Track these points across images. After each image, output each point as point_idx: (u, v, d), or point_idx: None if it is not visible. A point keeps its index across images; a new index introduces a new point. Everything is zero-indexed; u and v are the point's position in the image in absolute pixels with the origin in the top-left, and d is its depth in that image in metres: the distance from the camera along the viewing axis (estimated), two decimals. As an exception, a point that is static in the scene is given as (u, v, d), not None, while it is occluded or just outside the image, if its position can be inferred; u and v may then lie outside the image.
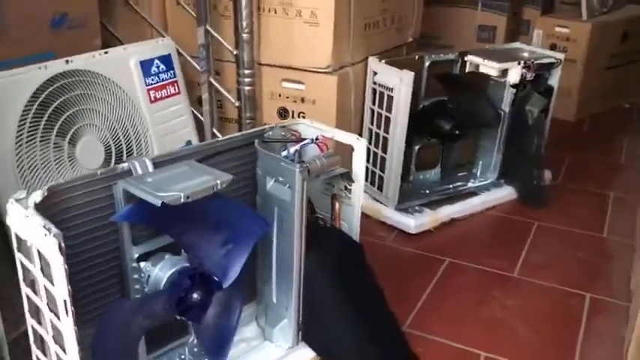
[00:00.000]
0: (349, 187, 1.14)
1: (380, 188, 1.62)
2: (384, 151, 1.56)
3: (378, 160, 1.59)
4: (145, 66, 1.37)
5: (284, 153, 1.04)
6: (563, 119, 2.42)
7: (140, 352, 1.00)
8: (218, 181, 0.88)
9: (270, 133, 1.09)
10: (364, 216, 1.61)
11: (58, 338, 0.82)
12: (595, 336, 1.22)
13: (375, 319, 1.13)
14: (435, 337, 1.20)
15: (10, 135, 1.17)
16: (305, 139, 1.07)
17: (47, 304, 0.81)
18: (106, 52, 1.30)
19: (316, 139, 1.07)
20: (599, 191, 1.85)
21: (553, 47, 2.39)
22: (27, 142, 1.19)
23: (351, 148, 1.12)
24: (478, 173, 1.81)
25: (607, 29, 2.47)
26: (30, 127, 1.19)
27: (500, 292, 1.35)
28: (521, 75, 1.64)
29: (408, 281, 1.38)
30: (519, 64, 1.63)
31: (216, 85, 1.55)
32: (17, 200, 0.80)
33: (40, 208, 0.79)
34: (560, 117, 2.39)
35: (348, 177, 1.12)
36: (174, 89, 1.44)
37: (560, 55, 1.73)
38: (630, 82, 2.64)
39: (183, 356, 1.07)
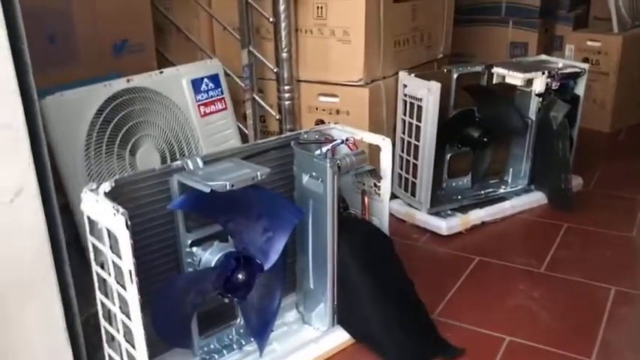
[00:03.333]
0: (378, 184, 1.25)
1: (413, 194, 1.72)
2: (416, 158, 1.67)
3: (411, 167, 1.70)
4: (196, 84, 1.53)
5: (317, 152, 1.17)
6: (598, 130, 2.47)
7: (193, 331, 1.13)
8: (258, 173, 1.01)
9: (305, 136, 1.22)
10: (399, 221, 1.73)
11: (124, 308, 0.95)
12: (618, 324, 1.27)
13: (405, 305, 1.22)
14: (462, 324, 1.28)
15: (80, 147, 1.33)
16: (336, 140, 1.19)
17: (115, 278, 0.95)
18: (161, 72, 1.46)
19: (346, 140, 1.20)
20: (630, 196, 1.89)
21: (585, 61, 2.45)
22: (94, 153, 1.36)
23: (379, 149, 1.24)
24: (509, 180, 1.89)
25: (639, 41, 2.52)
26: (96, 138, 1.35)
27: (527, 285, 1.42)
28: (547, 84, 1.73)
29: (439, 277, 1.46)
30: (544, 74, 1.72)
31: (259, 100, 1.70)
32: (90, 190, 0.95)
33: (108, 196, 0.94)
34: (594, 128, 2.45)
35: (376, 174, 1.23)
36: (222, 105, 1.59)
37: (585, 65, 1.81)
38: (667, 92, 2.66)
39: (230, 336, 1.19)
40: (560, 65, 1.81)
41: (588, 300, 1.36)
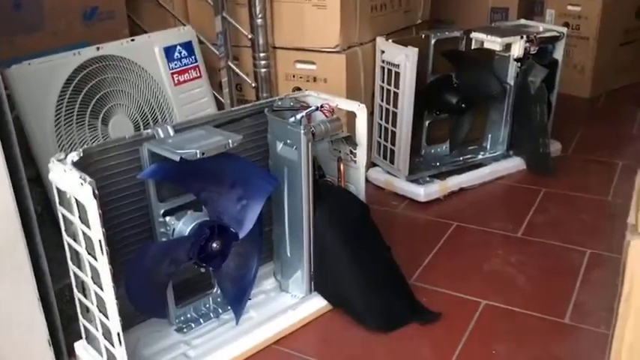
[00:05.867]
0: (354, 151, 1.24)
1: (392, 161, 1.71)
2: (394, 125, 1.65)
3: (389, 135, 1.69)
4: (169, 52, 1.50)
5: (291, 119, 1.16)
6: (578, 96, 2.47)
7: (169, 301, 1.12)
8: (230, 141, 1.00)
9: (280, 102, 1.21)
10: (378, 188, 1.73)
11: (95, 278, 0.94)
12: (591, 285, 1.29)
13: (382, 271, 1.23)
14: (439, 289, 1.29)
15: (50, 117, 1.30)
16: (310, 107, 1.18)
17: (85, 249, 0.94)
18: (132, 40, 1.43)
19: (321, 106, 1.18)
20: (608, 160, 1.90)
21: (566, 25, 2.43)
22: (65, 123, 1.33)
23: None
24: (488, 146, 1.89)
25: (620, 5, 2.50)
26: (67, 109, 1.32)
27: (504, 250, 1.43)
28: (525, 49, 1.72)
29: (417, 242, 1.47)
30: (522, 38, 1.70)
31: (235, 68, 1.67)
32: (58, 160, 0.93)
33: (77, 165, 0.92)
34: (574, 93, 2.45)
35: (351, 141, 1.22)
36: (196, 73, 1.56)
37: (563, 29, 1.80)
38: (646, 57, 2.66)
39: (207, 305, 1.19)
40: (539, 29, 1.80)
41: (563, 263, 1.38)
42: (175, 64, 1.51)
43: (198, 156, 0.95)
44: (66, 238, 0.99)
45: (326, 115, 1.18)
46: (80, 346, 1.08)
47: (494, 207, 1.66)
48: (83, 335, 1.07)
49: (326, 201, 1.18)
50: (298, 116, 1.15)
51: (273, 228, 1.23)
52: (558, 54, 1.82)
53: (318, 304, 1.21)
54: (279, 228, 1.21)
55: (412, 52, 1.56)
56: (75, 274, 1.01)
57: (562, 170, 1.81)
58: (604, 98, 2.51)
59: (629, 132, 2.15)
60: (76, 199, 0.90)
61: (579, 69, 2.49)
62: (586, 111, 2.38)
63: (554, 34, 1.79)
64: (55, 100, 1.29)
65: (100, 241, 0.88)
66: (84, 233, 0.92)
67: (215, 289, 1.19)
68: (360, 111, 1.21)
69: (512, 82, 1.76)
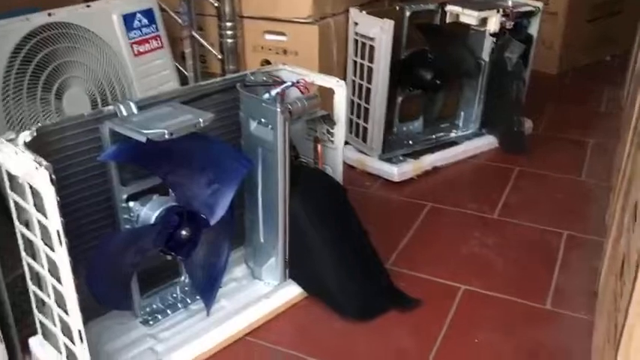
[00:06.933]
0: (331, 131, 1.17)
1: (364, 139, 1.65)
2: (367, 101, 1.59)
3: (362, 111, 1.62)
4: (128, 20, 1.39)
5: (265, 96, 1.08)
6: (545, 72, 2.45)
7: (133, 292, 1.04)
8: (200, 119, 0.91)
9: (252, 77, 1.12)
10: (350, 167, 1.67)
11: (53, 271, 0.85)
12: (570, 269, 1.27)
13: (359, 256, 1.17)
14: (417, 274, 1.25)
15: (-4, 90, 1.19)
16: (286, 82, 1.10)
17: (41, 239, 0.84)
18: (88, 6, 1.32)
19: (297, 82, 1.11)
20: (579, 138, 1.89)
21: None
22: (13, 96, 1.22)
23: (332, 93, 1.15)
24: (460, 124, 1.85)
25: (588, -19, 2.48)
26: (15, 81, 1.21)
27: (480, 232, 1.40)
28: (501, 23, 1.67)
29: (392, 224, 1.42)
30: (498, 12, 1.65)
31: (199, 39, 1.57)
32: (8, 140, 0.83)
33: (30, 146, 0.82)
34: (542, 70, 2.42)
35: (329, 120, 1.15)
36: (158, 43, 1.46)
37: (539, 4, 1.76)
38: (612, 34, 2.66)
39: (174, 295, 1.11)
40: (509, 3, 1.74)
41: (541, 246, 1.35)
42: (135, 34, 1.41)
43: (167, 137, 0.86)
44: (18, 226, 0.89)
45: (302, 92, 1.11)
46: (36, 342, 0.99)
47: (469, 187, 1.63)
48: (39, 331, 0.98)
49: (302, 184, 1.11)
50: (273, 92, 1.07)
51: (245, 212, 1.16)
52: (533, 29, 1.78)
53: (293, 292, 1.15)
54: (252, 212, 1.14)
55: (388, 25, 1.49)
56: (29, 265, 0.91)
57: (534, 149, 1.79)
58: (571, 75, 2.50)
59: (597, 109, 2.14)
60: (30, 185, 0.80)
61: (547, 45, 2.47)
62: (554, 88, 2.37)
63: (530, 8, 1.75)
64: (2, 71, 1.17)
65: (58, 231, 0.79)
66: (39, 222, 0.82)
67: (183, 277, 1.11)
68: (339, 87, 1.13)
69: (487, 58, 1.72)
